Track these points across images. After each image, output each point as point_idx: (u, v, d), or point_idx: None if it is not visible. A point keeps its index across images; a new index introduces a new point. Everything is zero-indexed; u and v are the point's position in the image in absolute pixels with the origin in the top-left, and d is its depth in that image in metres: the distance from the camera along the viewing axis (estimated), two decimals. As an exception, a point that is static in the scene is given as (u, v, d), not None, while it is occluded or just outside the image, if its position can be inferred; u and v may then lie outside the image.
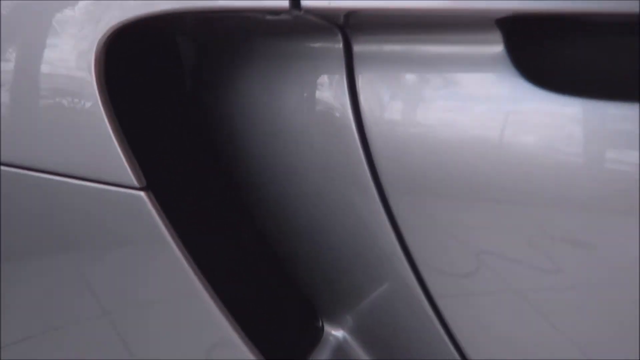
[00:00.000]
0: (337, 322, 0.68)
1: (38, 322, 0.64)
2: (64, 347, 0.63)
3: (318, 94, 0.54)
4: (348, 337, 0.67)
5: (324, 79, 0.54)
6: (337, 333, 0.68)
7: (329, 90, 0.53)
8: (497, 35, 0.43)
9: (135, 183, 0.50)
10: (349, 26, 0.50)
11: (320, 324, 0.69)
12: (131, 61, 0.56)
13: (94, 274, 0.56)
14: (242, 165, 0.60)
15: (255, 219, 0.64)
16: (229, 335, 0.53)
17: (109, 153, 0.50)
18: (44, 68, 0.52)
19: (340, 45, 0.51)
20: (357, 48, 0.50)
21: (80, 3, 0.50)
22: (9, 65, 0.54)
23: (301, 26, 0.50)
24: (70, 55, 0.51)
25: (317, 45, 0.53)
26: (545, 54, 0.45)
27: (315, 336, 0.67)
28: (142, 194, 0.51)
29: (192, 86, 0.62)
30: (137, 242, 0.53)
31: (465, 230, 0.50)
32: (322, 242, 0.60)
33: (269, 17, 0.48)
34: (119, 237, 0.53)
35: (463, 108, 0.47)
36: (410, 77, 0.49)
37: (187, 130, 0.59)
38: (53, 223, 0.56)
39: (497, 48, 0.44)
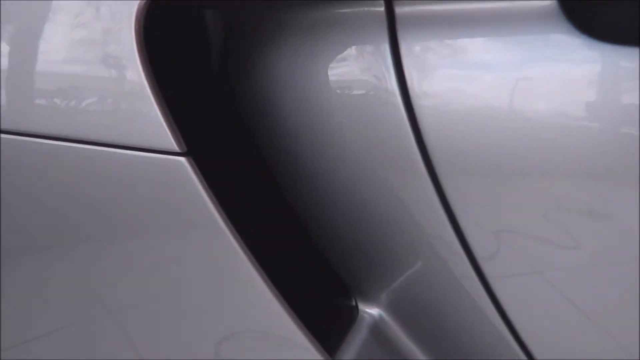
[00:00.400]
0: (371, 300, 0.67)
1: (79, 297, 0.62)
2: (98, 323, 0.62)
3: (356, 65, 0.52)
4: (384, 315, 0.65)
5: (362, 48, 0.52)
6: (372, 311, 0.66)
7: (369, 61, 0.51)
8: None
9: (176, 148, 0.49)
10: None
11: (354, 302, 0.68)
12: (166, 30, 0.55)
13: (134, 244, 0.55)
14: (275, 143, 0.58)
15: (290, 195, 0.62)
16: (273, 307, 0.52)
17: (149, 118, 0.49)
18: (83, 34, 0.52)
19: (381, 9, 0.50)
20: (400, 10, 0.49)
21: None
22: (44, 33, 0.53)
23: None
24: (110, 20, 0.50)
25: (354, 10, 0.51)
26: (597, 5, 0.44)
27: (351, 315, 0.66)
28: (183, 159, 0.50)
29: (219, 61, 0.61)
30: (177, 210, 0.51)
31: (524, 208, 0.48)
32: (362, 220, 0.59)
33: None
34: (159, 205, 0.52)
35: (519, 72, 0.45)
36: (459, 41, 0.47)
37: (223, 100, 0.58)
38: (90, 194, 0.55)
39: (548, 1, 0.43)
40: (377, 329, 0.64)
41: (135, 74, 0.49)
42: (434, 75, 0.48)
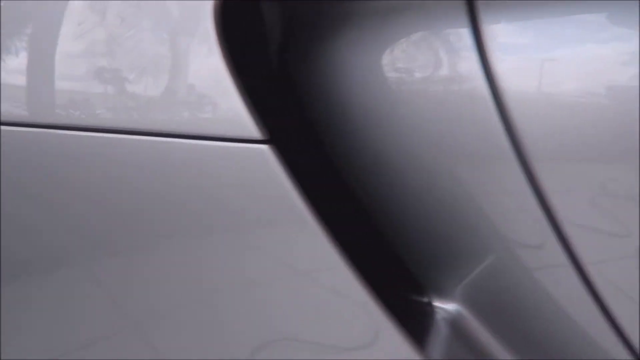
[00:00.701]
0: (447, 295, 0.64)
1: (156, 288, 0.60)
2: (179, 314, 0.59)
3: (432, 54, 0.50)
4: (463, 310, 0.62)
5: (439, 34, 0.50)
6: (448, 307, 0.63)
7: (447, 47, 0.49)
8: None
9: (258, 136, 0.47)
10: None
11: (427, 299, 0.65)
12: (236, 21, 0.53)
13: (213, 239, 0.52)
14: (347, 138, 0.56)
15: (360, 188, 0.60)
16: (367, 305, 0.49)
17: (228, 105, 0.47)
18: (160, 28, 0.50)
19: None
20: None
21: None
22: (125, 31, 0.52)
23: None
24: (188, 14, 0.49)
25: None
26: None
27: (427, 312, 0.63)
28: (265, 147, 0.47)
29: (278, 56, 0.59)
30: (259, 202, 0.49)
31: (624, 192, 0.45)
32: (442, 213, 0.56)
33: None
34: (239, 198, 0.49)
35: (616, 55, 0.42)
36: (546, 21, 0.45)
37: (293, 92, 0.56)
38: (163, 189, 0.53)
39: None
40: (456, 326, 0.61)
41: (214, 62, 0.47)
42: (521, 59, 0.46)
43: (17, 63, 0.61)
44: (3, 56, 0.62)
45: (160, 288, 0.57)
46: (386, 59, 0.52)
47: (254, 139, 0.47)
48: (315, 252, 0.48)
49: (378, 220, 0.61)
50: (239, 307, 0.54)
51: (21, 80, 0.61)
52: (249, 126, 0.47)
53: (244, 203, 0.49)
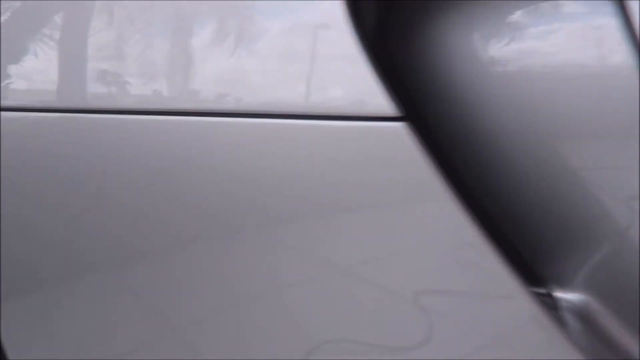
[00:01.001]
0: (569, 286, 0.60)
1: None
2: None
3: (565, 32, 0.47)
4: (588, 299, 0.59)
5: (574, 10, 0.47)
6: (570, 297, 0.60)
7: (584, 25, 0.46)
8: None
9: (393, 113, 0.45)
10: None
11: (546, 290, 0.61)
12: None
13: (346, 220, 0.50)
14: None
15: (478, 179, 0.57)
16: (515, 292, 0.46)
17: (361, 83, 0.45)
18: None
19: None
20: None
21: None
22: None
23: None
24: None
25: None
26: None
27: (550, 305, 0.59)
28: (401, 125, 0.45)
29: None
30: (392, 185, 0.46)
31: None
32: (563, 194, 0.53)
33: None
34: (374, 176, 0.47)
35: None
36: None
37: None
38: (293, 173, 0.50)
39: None
40: (586, 318, 0.58)
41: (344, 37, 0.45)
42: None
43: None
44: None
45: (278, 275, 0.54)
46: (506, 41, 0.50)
47: (389, 116, 0.45)
48: (459, 234, 0.45)
49: (490, 205, 0.58)
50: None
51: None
52: (383, 103, 0.45)
53: (379, 183, 0.47)
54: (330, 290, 0.52)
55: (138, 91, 0.58)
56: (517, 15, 0.50)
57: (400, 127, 0.44)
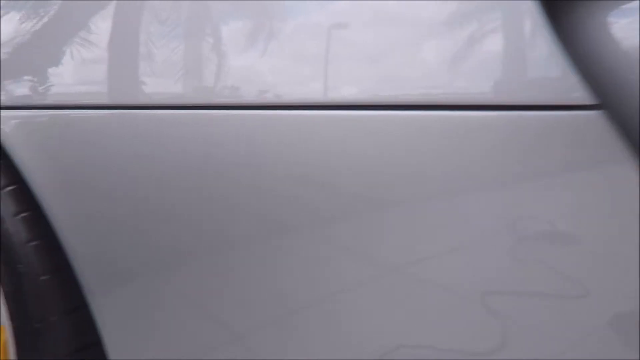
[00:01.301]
0: None
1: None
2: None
3: None
4: None
5: None
6: None
7: None
8: None
9: (587, 101, 0.43)
10: None
11: None
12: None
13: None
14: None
15: None
16: None
17: (556, 71, 0.43)
18: None
19: None
20: None
21: None
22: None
23: None
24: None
25: None
26: None
27: None
28: (596, 113, 0.43)
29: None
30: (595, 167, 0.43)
31: None
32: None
33: None
34: (570, 164, 0.44)
35: None
36: None
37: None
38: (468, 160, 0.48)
39: None
40: None
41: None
42: None
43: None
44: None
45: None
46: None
47: (585, 104, 0.43)
48: None
49: None
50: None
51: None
52: (577, 90, 0.43)
53: (574, 173, 0.44)
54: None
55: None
56: None
57: (596, 116, 0.42)
